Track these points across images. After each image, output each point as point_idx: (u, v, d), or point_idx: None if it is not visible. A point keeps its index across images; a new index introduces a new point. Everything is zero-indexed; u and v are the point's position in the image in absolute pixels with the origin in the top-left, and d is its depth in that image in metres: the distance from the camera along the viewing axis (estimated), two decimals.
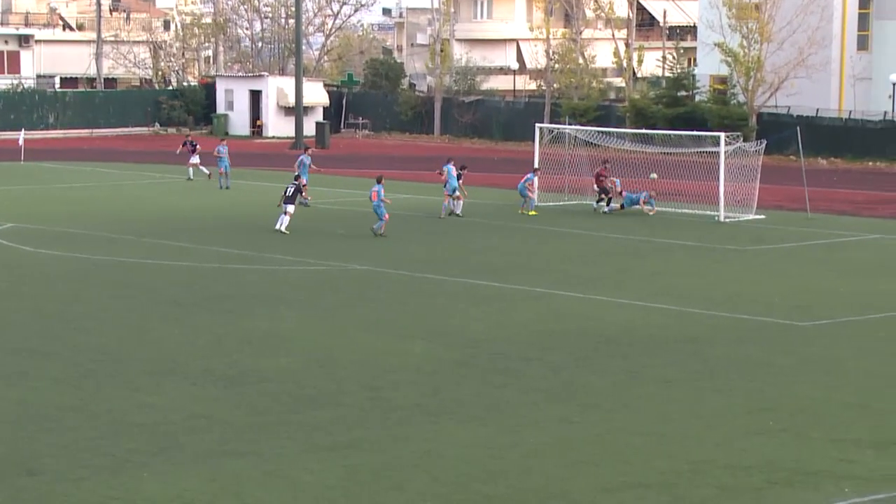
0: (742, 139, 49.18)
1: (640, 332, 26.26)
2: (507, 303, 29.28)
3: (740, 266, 35.49)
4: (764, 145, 47.42)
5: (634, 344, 25.16)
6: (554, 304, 29.30)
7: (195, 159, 56.38)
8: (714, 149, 46.06)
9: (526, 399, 21.02)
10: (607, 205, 46.57)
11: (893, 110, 68.94)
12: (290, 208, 39.99)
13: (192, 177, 56.28)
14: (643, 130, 54.76)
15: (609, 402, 20.91)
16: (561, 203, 47.79)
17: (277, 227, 39.64)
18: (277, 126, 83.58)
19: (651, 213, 45.62)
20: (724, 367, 23.42)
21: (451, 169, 44.44)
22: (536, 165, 47.65)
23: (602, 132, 52.17)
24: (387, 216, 39.37)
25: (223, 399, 20.82)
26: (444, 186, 44.43)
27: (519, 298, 29.83)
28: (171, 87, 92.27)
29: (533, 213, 45.47)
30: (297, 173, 44.55)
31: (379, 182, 39.46)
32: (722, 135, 45.98)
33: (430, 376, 22.42)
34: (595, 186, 46.81)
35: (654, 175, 46.85)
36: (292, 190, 40.55)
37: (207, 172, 55.60)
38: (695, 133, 50.23)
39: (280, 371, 22.62)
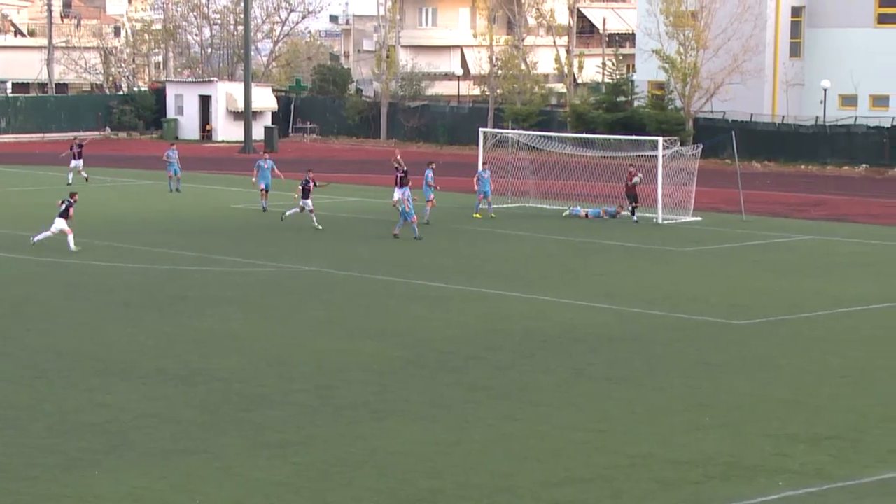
0: (679, 143, 49.41)
1: (582, 331, 26.65)
2: (453, 303, 29.62)
3: (678, 266, 35.94)
4: (700, 149, 47.75)
5: (577, 343, 25.56)
6: (499, 304, 29.68)
7: (77, 163, 56.11)
8: (652, 153, 46.48)
9: (472, 397, 21.39)
10: (632, 213, 45.00)
11: (825, 115, 69.67)
12: (309, 203, 41.73)
13: (70, 181, 55.51)
14: (584, 135, 55.13)
15: (552, 400, 21.29)
16: (504, 206, 48.02)
17: (315, 224, 41.46)
18: (227, 130, 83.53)
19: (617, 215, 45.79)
20: (663, 364, 23.86)
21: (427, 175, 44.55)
22: (482, 161, 47.77)
23: (544, 136, 52.60)
24: (415, 218, 40.06)
25: (174, 398, 21.06)
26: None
27: (465, 299, 30.16)
28: (121, 93, 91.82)
29: (478, 215, 45.81)
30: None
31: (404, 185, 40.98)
32: (660, 139, 46.37)
33: (379, 375, 22.74)
34: (629, 194, 45.25)
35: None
36: (307, 186, 41.95)
37: (85, 177, 55.46)
38: (634, 137, 50.70)
39: (231, 371, 22.85)
